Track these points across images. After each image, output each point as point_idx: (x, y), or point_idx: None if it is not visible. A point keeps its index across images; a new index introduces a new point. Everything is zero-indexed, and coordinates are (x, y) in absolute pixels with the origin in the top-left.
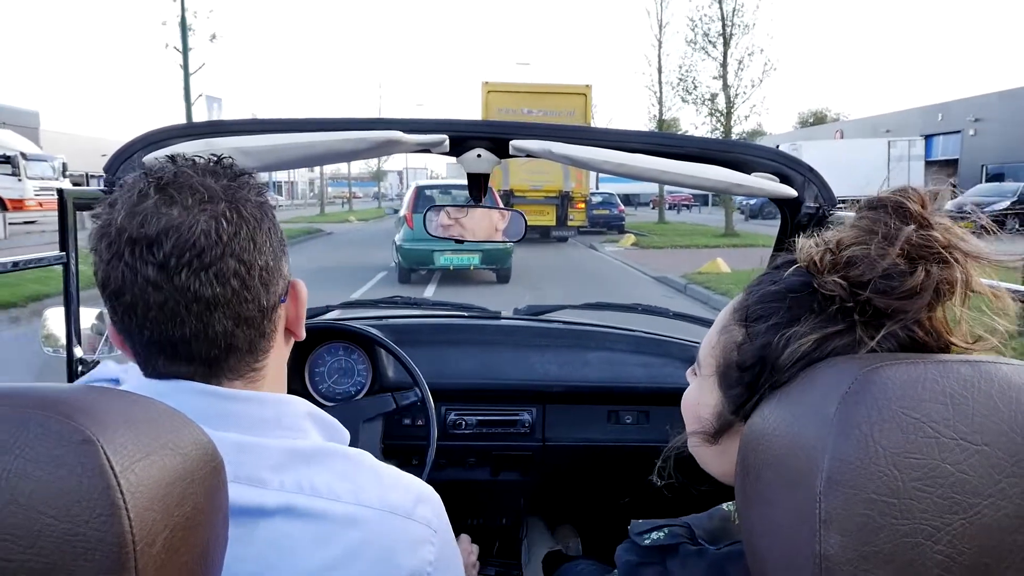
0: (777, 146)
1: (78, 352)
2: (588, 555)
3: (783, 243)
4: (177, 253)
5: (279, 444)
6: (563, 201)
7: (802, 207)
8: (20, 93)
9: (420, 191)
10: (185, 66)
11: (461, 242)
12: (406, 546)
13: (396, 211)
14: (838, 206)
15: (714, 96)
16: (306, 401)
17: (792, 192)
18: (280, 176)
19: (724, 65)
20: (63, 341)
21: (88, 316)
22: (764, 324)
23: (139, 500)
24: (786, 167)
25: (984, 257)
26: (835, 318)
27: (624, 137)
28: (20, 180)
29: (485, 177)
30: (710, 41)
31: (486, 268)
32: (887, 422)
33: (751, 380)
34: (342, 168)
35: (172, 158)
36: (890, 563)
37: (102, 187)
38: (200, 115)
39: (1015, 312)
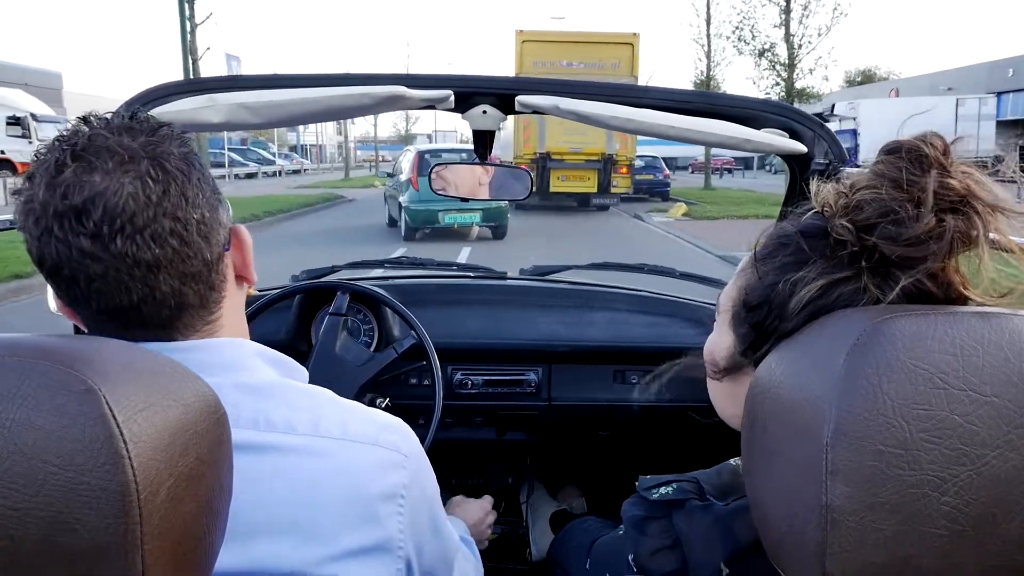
0: (832, 106)
1: None
2: (593, 513)
3: (792, 200)
4: (108, 221)
5: (230, 382)
6: (606, 165)
7: (812, 163)
8: (43, 54)
9: (422, 155)
10: (182, 14)
11: (467, 200)
12: (372, 471)
13: (391, 174)
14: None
15: (773, 46)
16: (254, 342)
17: (802, 147)
18: (308, 139)
19: (787, 10)
20: None
21: None
22: (772, 264)
23: (142, 449)
24: (796, 122)
25: (1008, 209)
26: (843, 264)
27: (632, 92)
28: (31, 142)
29: (491, 134)
30: None
31: (485, 225)
32: (895, 373)
33: (758, 320)
34: (370, 131)
35: (84, 119)
36: (896, 513)
37: None
38: (214, 72)
39: None
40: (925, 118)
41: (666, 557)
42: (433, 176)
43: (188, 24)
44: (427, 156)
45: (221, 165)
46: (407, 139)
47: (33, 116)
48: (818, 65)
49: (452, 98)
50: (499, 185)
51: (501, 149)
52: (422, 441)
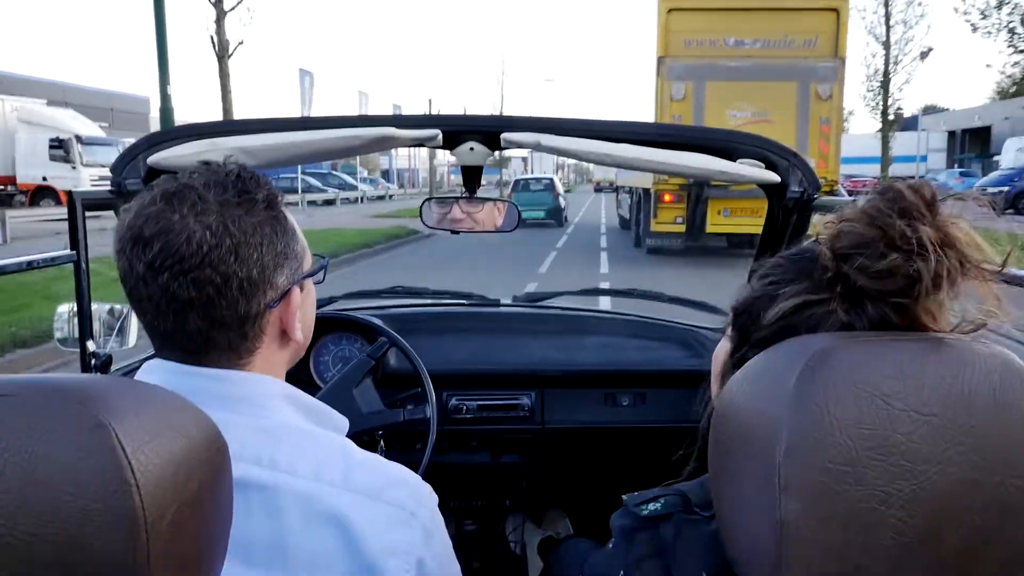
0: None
1: (91, 346)
2: (579, 535)
3: (770, 227)
4: (162, 256)
5: (245, 420)
6: None
7: (787, 192)
8: (131, 79)
9: (517, 182)
10: None
11: (456, 233)
12: (371, 525)
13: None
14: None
15: None
16: (287, 385)
17: (776, 177)
18: (401, 163)
19: None
20: (76, 336)
21: (99, 312)
22: (765, 279)
23: (148, 478)
24: (770, 153)
25: (981, 262)
26: (821, 287)
27: (610, 128)
28: (75, 168)
29: (479, 169)
30: None
31: (548, 220)
32: (841, 396)
33: (741, 325)
34: None
35: (207, 163)
36: (847, 527)
37: (109, 189)
38: (288, 89)
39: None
40: None
41: (650, 565)
42: (443, 216)
43: (215, 11)
44: (518, 184)
45: (295, 191)
46: (500, 162)
47: (79, 138)
48: None
49: (440, 137)
50: (505, 220)
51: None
52: (418, 466)
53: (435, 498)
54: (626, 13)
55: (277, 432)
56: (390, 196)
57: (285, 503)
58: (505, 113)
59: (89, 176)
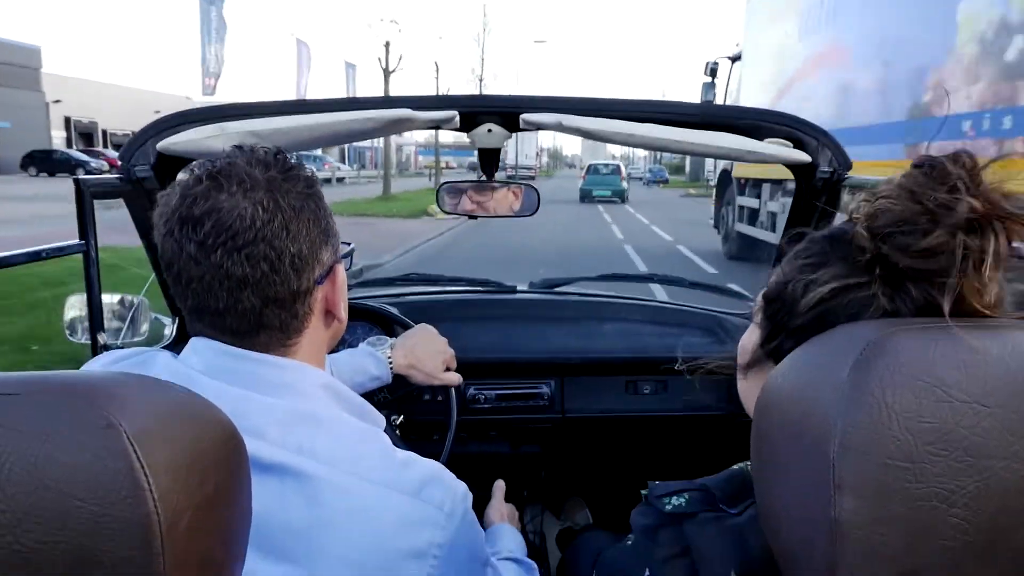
0: None
1: (101, 339)
2: (599, 525)
3: (799, 208)
4: (215, 233)
5: (285, 403)
6: None
7: (816, 171)
8: (18, 24)
9: (590, 167)
10: None
11: (474, 217)
12: (401, 525)
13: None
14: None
15: None
16: (329, 376)
17: (806, 157)
18: (364, 143)
19: None
20: (86, 327)
21: (110, 302)
22: (797, 263)
23: (162, 481)
24: (799, 131)
25: None
26: (858, 270)
27: (634, 107)
28: None
29: (496, 152)
30: None
31: (613, 198)
32: (900, 386)
33: (772, 313)
34: (430, 132)
35: (240, 147)
36: (905, 526)
37: (117, 175)
38: (334, 79)
39: None
40: None
41: (676, 565)
42: (461, 201)
43: None
44: (591, 168)
45: None
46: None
47: None
48: None
49: (457, 118)
50: (524, 204)
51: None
52: (438, 456)
53: (470, 497)
54: None
55: (319, 421)
56: (339, 179)
57: (321, 493)
58: (485, 77)
59: None
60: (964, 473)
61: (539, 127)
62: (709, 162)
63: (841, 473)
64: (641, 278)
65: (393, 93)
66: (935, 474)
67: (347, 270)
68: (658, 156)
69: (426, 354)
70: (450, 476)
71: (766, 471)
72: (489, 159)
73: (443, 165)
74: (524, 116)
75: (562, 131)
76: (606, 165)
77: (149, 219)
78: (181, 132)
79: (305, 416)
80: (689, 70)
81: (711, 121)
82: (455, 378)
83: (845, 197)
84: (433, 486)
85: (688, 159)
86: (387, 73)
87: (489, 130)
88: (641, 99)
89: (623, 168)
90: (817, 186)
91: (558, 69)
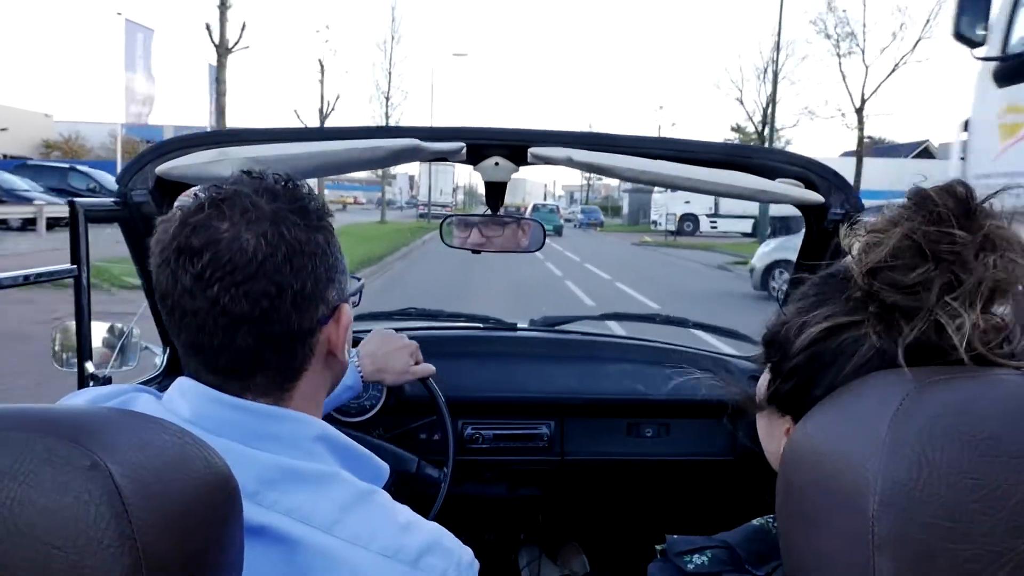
0: None
1: (89, 367)
2: (597, 572)
3: (809, 251)
4: (212, 266)
5: (277, 459)
6: None
7: (828, 213)
8: None
9: (534, 206)
10: None
11: (478, 252)
12: None
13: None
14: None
15: None
16: (327, 426)
17: (818, 198)
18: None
19: None
20: (74, 356)
21: (99, 330)
22: (796, 304)
23: (149, 530)
24: (811, 172)
25: None
26: (853, 308)
27: (646, 143)
28: None
29: (503, 185)
30: None
31: (553, 233)
32: (943, 440)
33: (769, 356)
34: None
35: (248, 172)
36: None
37: (114, 199)
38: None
39: None
40: None
41: None
42: (471, 234)
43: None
44: (535, 207)
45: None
46: (385, 178)
47: None
48: None
49: (464, 150)
50: (532, 240)
51: None
52: (433, 502)
53: (476, 565)
54: None
55: (313, 479)
56: None
57: (311, 561)
58: (392, 94)
59: None
60: (1014, 534)
61: (548, 161)
62: (656, 204)
63: (880, 531)
64: (644, 318)
65: (231, 75)
66: (982, 534)
67: (354, 307)
68: (587, 197)
69: (389, 354)
70: (454, 542)
71: (796, 528)
72: (495, 193)
73: (351, 200)
74: (532, 150)
75: (572, 166)
76: (544, 205)
77: (145, 245)
78: (181, 156)
79: (298, 474)
80: (614, 91)
81: (723, 159)
82: (428, 368)
83: (842, 231)
84: (434, 554)
85: (626, 199)
86: (224, 50)
87: (496, 163)
88: (652, 136)
89: (560, 208)
90: (828, 228)
91: (480, 84)
